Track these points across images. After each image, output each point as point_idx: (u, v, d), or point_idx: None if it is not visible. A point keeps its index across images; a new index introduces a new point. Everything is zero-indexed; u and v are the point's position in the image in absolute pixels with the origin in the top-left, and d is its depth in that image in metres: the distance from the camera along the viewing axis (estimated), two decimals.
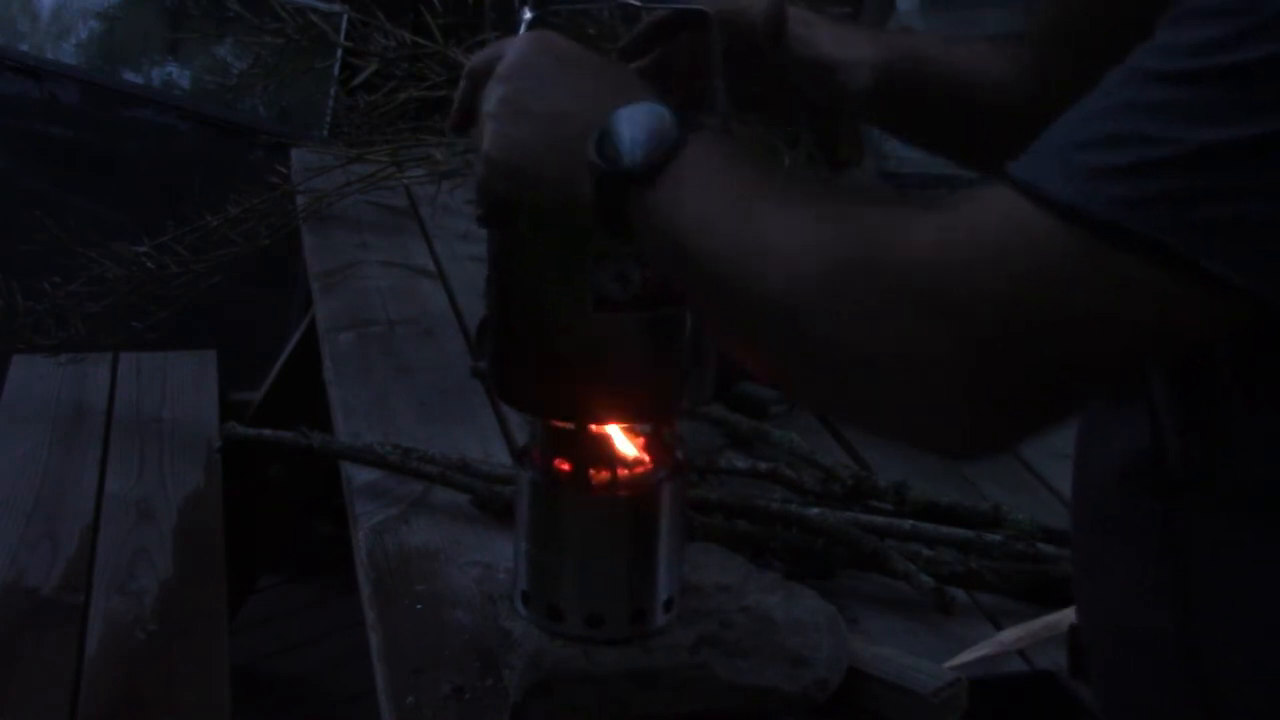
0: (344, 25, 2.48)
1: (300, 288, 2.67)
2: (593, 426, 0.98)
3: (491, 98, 0.83)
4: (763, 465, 1.33)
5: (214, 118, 3.08)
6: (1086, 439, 0.82)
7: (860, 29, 1.04)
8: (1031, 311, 0.63)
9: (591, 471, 0.98)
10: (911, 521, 1.23)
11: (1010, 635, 1.11)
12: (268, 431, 1.47)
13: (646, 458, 0.99)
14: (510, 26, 0.90)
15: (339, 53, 2.70)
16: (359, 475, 1.32)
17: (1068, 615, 1.08)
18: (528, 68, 0.83)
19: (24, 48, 3.16)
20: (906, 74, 1.00)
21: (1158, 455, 0.73)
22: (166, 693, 1.68)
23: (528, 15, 0.89)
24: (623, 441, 0.98)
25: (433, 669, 1.04)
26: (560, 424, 0.98)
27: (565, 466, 0.99)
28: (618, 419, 0.97)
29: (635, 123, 0.76)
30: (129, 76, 3.16)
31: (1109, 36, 0.80)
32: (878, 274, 0.66)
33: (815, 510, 1.21)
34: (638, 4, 0.96)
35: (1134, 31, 0.72)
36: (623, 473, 0.98)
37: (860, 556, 1.18)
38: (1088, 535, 0.82)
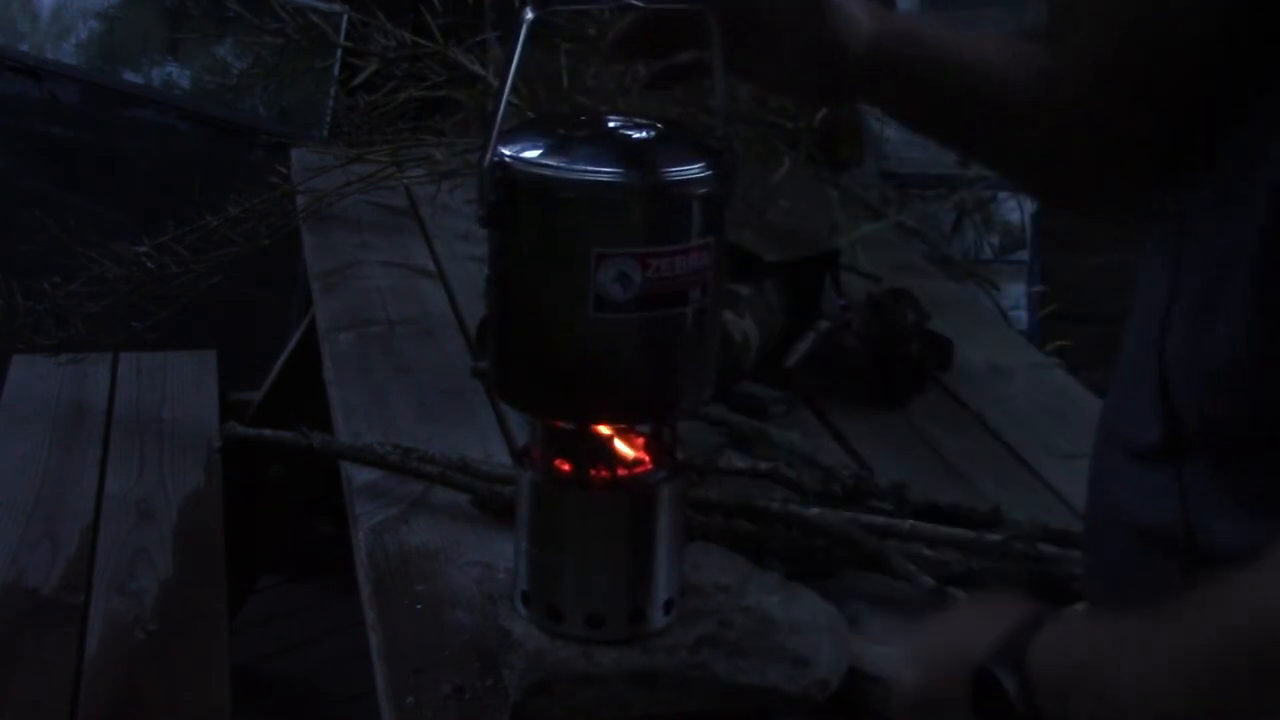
0: (344, 25, 2.48)
1: (300, 288, 2.67)
2: (593, 426, 0.98)
3: None
4: (763, 465, 1.32)
5: (214, 118, 3.08)
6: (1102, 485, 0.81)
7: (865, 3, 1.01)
8: None
9: (591, 471, 0.98)
10: (911, 522, 1.23)
11: None
12: (268, 431, 1.47)
13: (646, 458, 0.99)
14: (510, 26, 0.90)
15: (339, 53, 2.70)
16: (359, 475, 1.32)
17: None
18: None
19: (24, 48, 3.15)
20: (908, 58, 0.95)
21: (1186, 534, 0.72)
22: (166, 693, 1.68)
23: (529, 16, 0.89)
24: (622, 442, 0.98)
25: (433, 669, 1.04)
26: (560, 424, 0.98)
27: (565, 466, 0.99)
28: (618, 419, 0.97)
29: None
30: (129, 76, 3.15)
31: (1133, 65, 0.79)
32: None
33: (815, 510, 1.21)
34: (639, 4, 0.95)
35: (1162, 66, 0.71)
36: (622, 473, 0.98)
37: (860, 557, 1.18)
38: (1103, 590, 0.82)
